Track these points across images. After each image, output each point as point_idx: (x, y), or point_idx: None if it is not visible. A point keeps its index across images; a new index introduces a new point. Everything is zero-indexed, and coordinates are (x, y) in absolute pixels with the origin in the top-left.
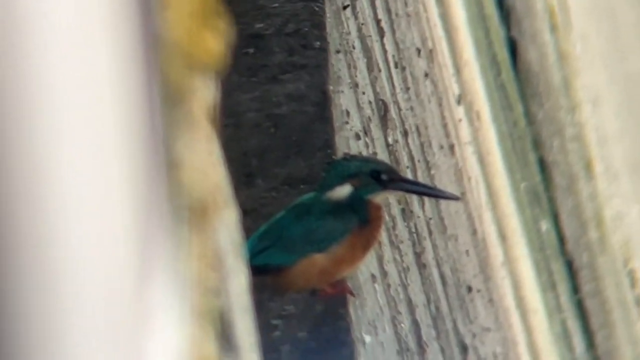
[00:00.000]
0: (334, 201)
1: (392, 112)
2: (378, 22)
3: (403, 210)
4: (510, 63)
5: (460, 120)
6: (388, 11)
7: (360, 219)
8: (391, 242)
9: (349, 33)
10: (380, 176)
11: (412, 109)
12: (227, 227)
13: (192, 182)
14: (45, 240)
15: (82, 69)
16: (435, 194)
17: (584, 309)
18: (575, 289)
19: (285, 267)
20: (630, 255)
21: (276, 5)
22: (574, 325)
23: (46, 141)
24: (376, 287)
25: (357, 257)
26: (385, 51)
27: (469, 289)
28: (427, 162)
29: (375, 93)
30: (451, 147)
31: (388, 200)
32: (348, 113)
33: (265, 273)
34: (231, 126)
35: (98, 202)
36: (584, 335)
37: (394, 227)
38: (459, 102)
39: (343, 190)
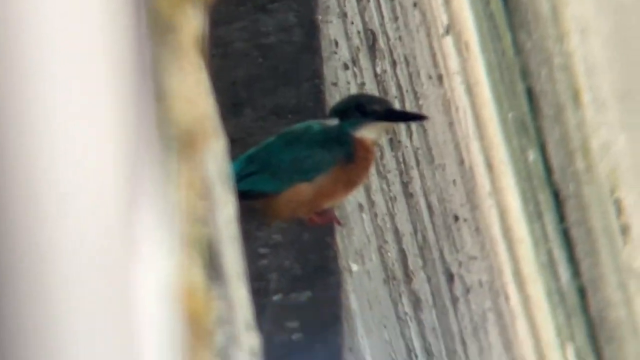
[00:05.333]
0: (323, 132)
1: (381, 42)
2: None
3: (391, 140)
4: None
5: (446, 46)
6: None
7: (345, 154)
8: (379, 172)
9: None
10: (365, 109)
11: (400, 39)
12: (215, 156)
13: (181, 111)
14: (34, 172)
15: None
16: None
17: (569, 238)
18: (561, 218)
19: (271, 194)
20: (617, 184)
21: None
22: (559, 254)
23: (33, 71)
24: (363, 216)
25: (338, 191)
26: None
27: (456, 218)
28: (415, 93)
29: (364, 23)
30: (439, 77)
31: (380, 141)
32: (336, 43)
33: (250, 198)
34: (219, 56)
35: (86, 132)
36: (569, 264)
37: (381, 157)
38: (447, 32)
39: (331, 123)
